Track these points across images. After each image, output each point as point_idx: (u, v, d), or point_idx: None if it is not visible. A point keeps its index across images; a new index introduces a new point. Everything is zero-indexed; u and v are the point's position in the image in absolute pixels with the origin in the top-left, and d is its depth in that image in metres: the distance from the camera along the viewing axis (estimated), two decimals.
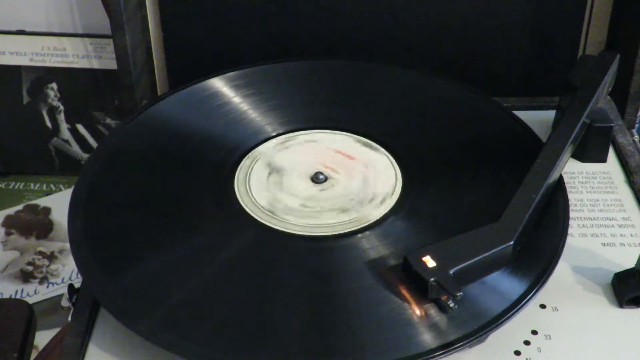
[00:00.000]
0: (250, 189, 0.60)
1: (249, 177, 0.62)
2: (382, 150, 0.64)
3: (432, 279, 0.50)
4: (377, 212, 0.58)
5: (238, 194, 0.60)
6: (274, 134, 0.65)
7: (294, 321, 0.51)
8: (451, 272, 0.51)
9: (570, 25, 0.78)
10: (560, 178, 0.60)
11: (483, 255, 0.52)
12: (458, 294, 0.49)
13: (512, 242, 0.53)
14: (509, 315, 0.50)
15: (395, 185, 0.60)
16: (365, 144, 0.64)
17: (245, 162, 0.63)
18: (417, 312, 0.51)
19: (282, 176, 0.62)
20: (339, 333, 0.50)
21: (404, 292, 0.52)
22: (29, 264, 0.95)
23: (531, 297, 0.51)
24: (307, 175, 0.62)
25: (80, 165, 1.03)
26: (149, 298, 0.52)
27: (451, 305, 0.50)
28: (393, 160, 0.63)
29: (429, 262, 0.51)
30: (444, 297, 0.50)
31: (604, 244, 0.60)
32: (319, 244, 0.56)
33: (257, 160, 0.63)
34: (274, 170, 0.62)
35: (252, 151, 0.64)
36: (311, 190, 0.61)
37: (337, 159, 0.63)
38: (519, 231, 0.53)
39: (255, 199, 0.59)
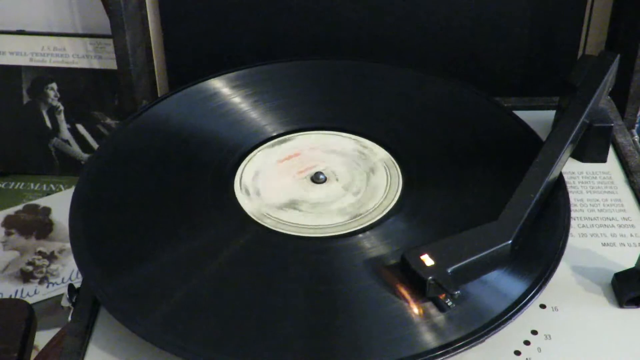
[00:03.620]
0: (251, 187, 0.61)
1: (251, 176, 0.62)
2: (382, 154, 0.64)
3: (430, 278, 0.50)
4: (370, 217, 0.58)
5: (238, 194, 0.60)
6: (274, 134, 0.66)
7: (294, 321, 0.51)
8: (449, 270, 0.51)
9: (570, 25, 0.78)
10: (561, 178, 0.60)
11: (481, 254, 0.52)
12: (456, 292, 0.49)
13: (510, 242, 0.53)
14: (509, 315, 0.50)
15: (396, 192, 0.60)
16: (364, 148, 0.64)
17: (250, 157, 0.63)
18: (416, 311, 0.51)
19: (283, 174, 0.62)
20: (339, 333, 0.50)
21: (403, 291, 0.52)
22: (29, 264, 0.95)
23: (532, 298, 0.51)
24: (308, 175, 0.62)
25: (80, 165, 1.03)
26: (149, 298, 0.52)
27: (449, 304, 0.50)
28: (395, 161, 0.63)
29: (427, 260, 0.51)
30: (441, 296, 0.50)
31: (604, 244, 0.59)
32: (319, 244, 0.56)
33: (262, 156, 0.63)
34: (275, 170, 0.62)
35: (259, 147, 0.64)
36: (309, 189, 0.61)
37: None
38: (517, 230, 0.53)
39: (255, 198, 0.59)
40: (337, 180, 0.62)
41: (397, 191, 0.60)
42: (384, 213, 0.58)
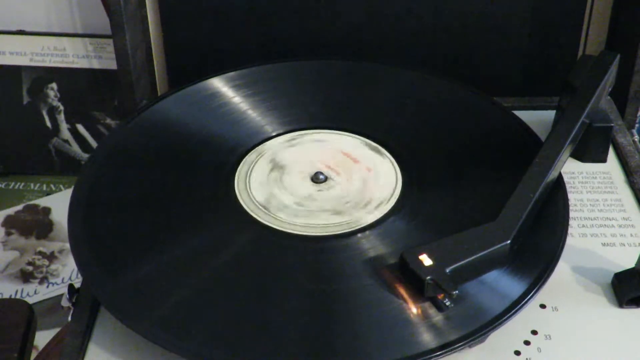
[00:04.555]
0: (249, 185, 0.60)
1: (250, 173, 0.61)
2: (386, 153, 0.64)
3: (429, 278, 0.50)
4: (370, 217, 0.58)
5: (238, 194, 0.60)
6: (273, 134, 0.66)
7: (293, 321, 0.51)
8: (447, 270, 0.51)
9: (570, 25, 0.78)
10: (561, 178, 0.60)
11: (479, 254, 0.52)
12: (454, 292, 0.49)
13: (508, 242, 0.53)
14: (509, 315, 0.50)
15: (394, 192, 0.60)
16: (371, 148, 0.64)
17: (249, 157, 0.63)
18: (415, 311, 0.51)
19: (283, 174, 0.62)
20: (339, 333, 0.50)
21: (402, 291, 0.52)
22: (29, 264, 0.95)
23: (531, 297, 0.51)
24: (308, 175, 0.62)
25: (80, 165, 1.03)
26: (149, 298, 0.52)
27: (447, 303, 0.50)
28: (394, 161, 0.63)
29: (426, 260, 0.51)
30: (440, 296, 0.50)
31: (604, 244, 0.59)
32: (319, 244, 0.56)
33: (261, 156, 0.63)
34: (276, 166, 0.62)
35: (258, 147, 0.64)
36: (309, 189, 0.61)
37: (341, 160, 0.63)
38: (515, 230, 0.53)
39: (252, 195, 0.59)
40: (337, 180, 0.61)
41: (397, 191, 0.60)
42: (384, 213, 0.58)
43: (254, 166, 0.62)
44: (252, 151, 0.64)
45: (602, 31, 0.78)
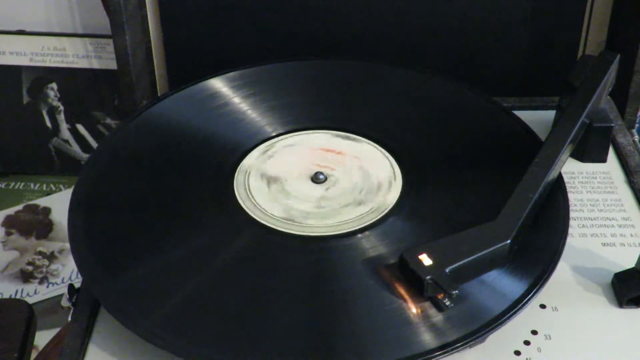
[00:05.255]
0: (249, 186, 0.60)
1: (250, 186, 0.61)
2: (384, 151, 0.64)
3: (428, 277, 0.50)
4: (391, 197, 0.59)
5: (237, 194, 0.60)
6: (274, 134, 0.65)
7: (293, 321, 0.51)
8: (447, 270, 0.51)
9: (570, 25, 0.78)
10: (560, 178, 0.60)
11: (479, 254, 0.52)
12: (454, 292, 0.49)
13: (508, 241, 0.53)
14: (509, 315, 0.50)
15: (394, 171, 0.61)
16: (349, 138, 0.64)
17: (249, 157, 0.63)
18: (415, 310, 0.51)
19: (283, 183, 0.61)
20: (339, 333, 0.50)
21: (402, 291, 0.52)
22: (29, 264, 0.95)
23: (531, 298, 0.51)
24: (307, 177, 0.62)
25: (80, 165, 1.03)
26: (149, 298, 0.52)
27: (447, 303, 0.50)
28: (393, 160, 0.63)
29: (425, 260, 0.51)
30: (440, 296, 0.50)
31: (604, 244, 0.59)
32: (319, 244, 0.56)
33: (249, 174, 0.62)
34: (270, 179, 0.62)
35: (239, 165, 0.63)
36: (317, 191, 0.61)
37: (329, 156, 0.63)
38: (515, 230, 0.53)
39: (266, 210, 0.59)
40: (337, 180, 0.61)
41: (397, 191, 0.60)
42: (384, 213, 0.58)
43: (249, 178, 0.62)
44: (253, 151, 0.64)
45: (602, 31, 0.78)
